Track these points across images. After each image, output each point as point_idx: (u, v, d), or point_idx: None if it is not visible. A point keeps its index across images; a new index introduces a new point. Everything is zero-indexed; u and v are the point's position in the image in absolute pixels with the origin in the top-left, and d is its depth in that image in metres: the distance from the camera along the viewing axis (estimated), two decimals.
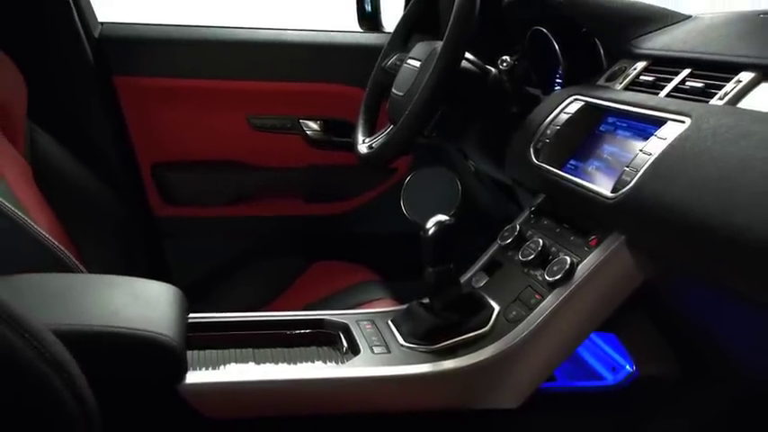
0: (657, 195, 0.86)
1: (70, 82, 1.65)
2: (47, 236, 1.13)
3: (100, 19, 1.73)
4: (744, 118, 0.84)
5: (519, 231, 1.15)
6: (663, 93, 1.01)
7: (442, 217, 1.05)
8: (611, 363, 1.11)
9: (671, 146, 0.88)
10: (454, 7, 1.15)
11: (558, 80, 1.34)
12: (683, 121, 0.90)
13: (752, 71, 0.91)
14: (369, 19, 1.86)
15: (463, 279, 1.18)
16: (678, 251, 0.86)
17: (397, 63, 1.38)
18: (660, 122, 0.94)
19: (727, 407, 1.05)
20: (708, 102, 0.93)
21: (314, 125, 1.81)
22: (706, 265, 0.82)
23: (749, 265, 0.74)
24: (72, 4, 1.61)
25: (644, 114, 0.99)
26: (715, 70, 0.96)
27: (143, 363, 0.90)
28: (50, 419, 0.70)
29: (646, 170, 0.89)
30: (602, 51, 1.23)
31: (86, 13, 1.67)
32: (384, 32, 1.87)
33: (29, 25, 1.58)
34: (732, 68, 0.94)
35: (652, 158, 0.89)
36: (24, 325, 0.68)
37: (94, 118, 1.68)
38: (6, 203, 1.09)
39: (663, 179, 0.86)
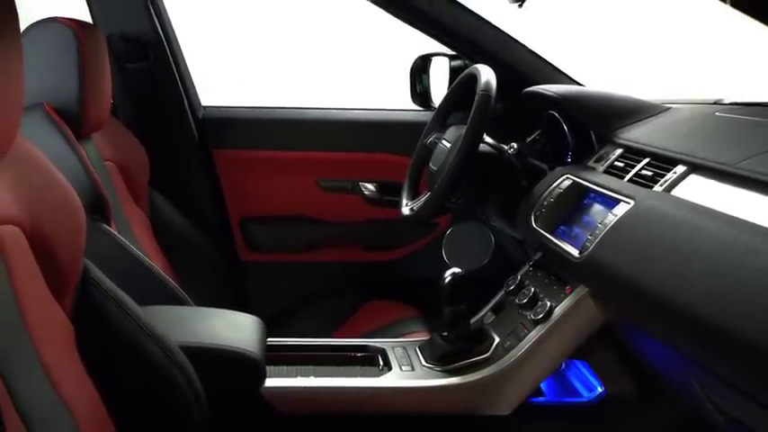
0: (604, 260, 1.10)
1: (179, 154, 1.95)
2: (165, 276, 1.42)
3: (203, 103, 2.03)
4: (667, 203, 1.05)
5: (519, 280, 1.41)
6: (626, 177, 1.22)
7: (456, 270, 1.34)
8: (588, 384, 1.34)
9: (618, 221, 1.11)
10: (474, 105, 1.38)
11: (569, 153, 1.53)
12: (629, 203, 1.12)
13: (684, 165, 1.10)
14: (420, 96, 1.97)
15: (478, 317, 1.45)
16: (618, 303, 1.12)
17: (435, 141, 1.58)
18: (617, 201, 1.16)
19: (679, 419, 1.26)
20: (652, 187, 1.13)
21: (371, 187, 2.03)
22: (635, 315, 1.07)
23: (655, 314, 0.98)
24: (183, 94, 1.93)
25: (609, 195, 1.21)
26: (663, 161, 1.16)
27: (236, 370, 1.18)
28: (175, 407, 0.98)
29: (600, 239, 1.13)
30: (593, 137, 1.45)
31: (193, 100, 1.98)
32: (433, 108, 1.95)
33: (151, 111, 1.92)
34: (673, 161, 1.14)
35: (605, 230, 1.12)
36: (162, 340, 0.99)
37: (196, 182, 1.98)
38: (137, 251, 1.40)
39: (609, 247, 1.10)
